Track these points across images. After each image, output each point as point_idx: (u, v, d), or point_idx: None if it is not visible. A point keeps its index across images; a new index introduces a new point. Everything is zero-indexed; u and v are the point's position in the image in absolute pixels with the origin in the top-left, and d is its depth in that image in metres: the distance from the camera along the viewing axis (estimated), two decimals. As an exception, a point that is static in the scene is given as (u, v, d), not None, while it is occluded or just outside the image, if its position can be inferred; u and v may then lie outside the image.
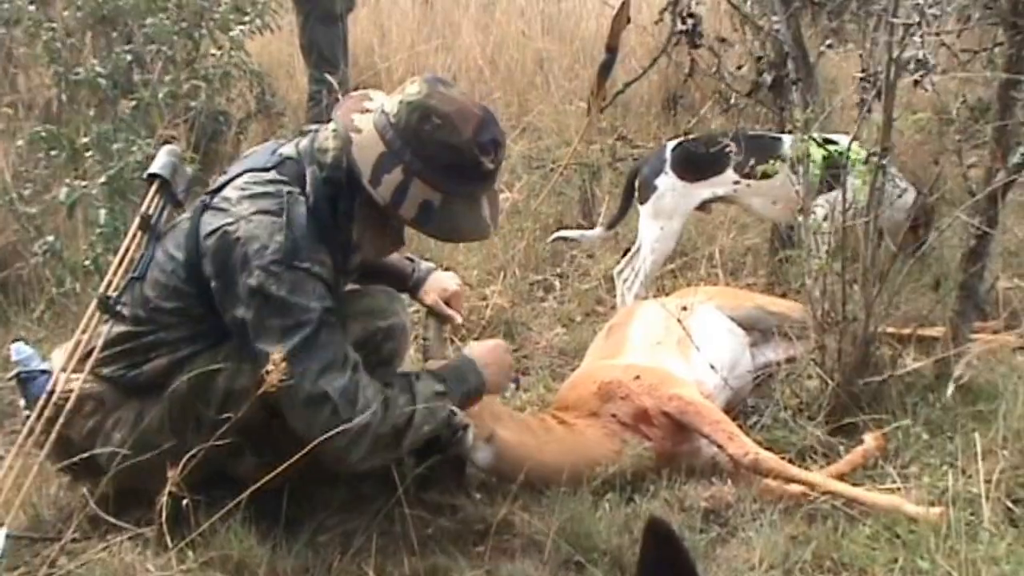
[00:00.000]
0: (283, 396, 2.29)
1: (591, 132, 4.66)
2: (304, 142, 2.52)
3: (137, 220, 2.59)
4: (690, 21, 3.70)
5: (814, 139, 3.08)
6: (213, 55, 4.17)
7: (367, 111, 2.47)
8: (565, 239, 4.11)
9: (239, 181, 2.47)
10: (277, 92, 5.60)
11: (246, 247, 2.34)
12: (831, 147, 3.18)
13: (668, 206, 3.66)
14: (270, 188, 2.42)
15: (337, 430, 2.28)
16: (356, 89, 5.26)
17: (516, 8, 6.50)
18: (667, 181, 3.65)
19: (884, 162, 2.80)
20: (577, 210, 4.43)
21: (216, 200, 2.45)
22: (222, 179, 2.54)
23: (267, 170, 2.47)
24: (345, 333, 2.41)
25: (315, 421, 2.29)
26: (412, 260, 2.85)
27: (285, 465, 2.25)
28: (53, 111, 4.15)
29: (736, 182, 3.60)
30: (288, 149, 2.52)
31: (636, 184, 3.75)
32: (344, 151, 2.43)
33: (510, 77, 5.79)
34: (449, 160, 2.39)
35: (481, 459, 2.65)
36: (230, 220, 2.38)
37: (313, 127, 2.63)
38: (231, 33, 4.25)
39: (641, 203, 3.72)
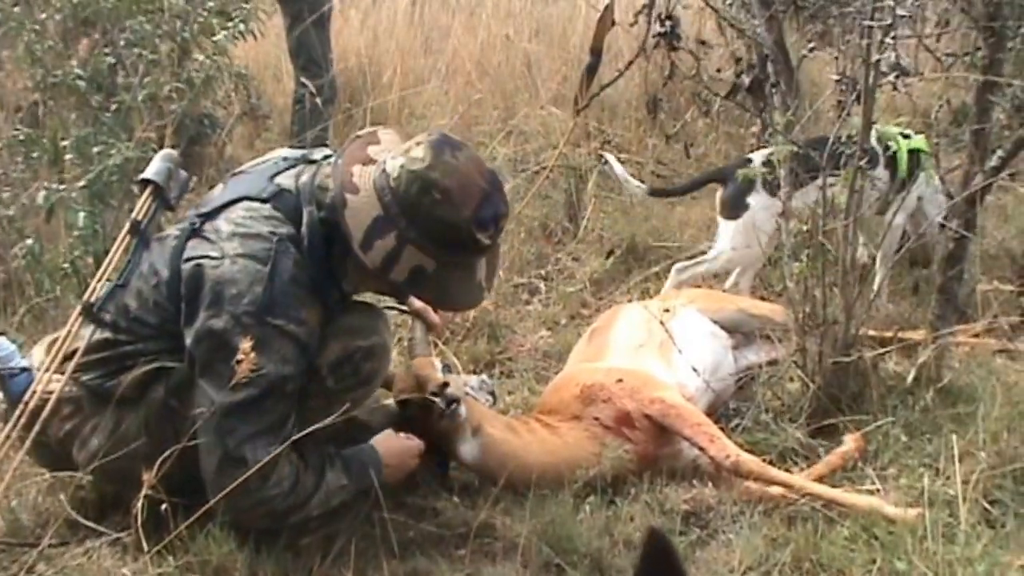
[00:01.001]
0: (204, 439, 2.30)
1: (577, 135, 4.66)
2: (305, 177, 2.48)
3: (127, 225, 2.57)
4: (668, 23, 3.70)
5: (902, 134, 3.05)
6: (196, 59, 4.15)
7: (370, 162, 2.42)
8: (608, 163, 4.08)
9: (233, 213, 2.42)
10: (263, 95, 5.59)
11: (222, 288, 2.31)
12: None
13: (761, 223, 3.53)
14: (263, 228, 2.38)
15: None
16: (344, 92, 5.31)
17: (504, 11, 6.50)
18: (759, 200, 3.54)
19: (863, 164, 2.81)
20: (563, 213, 4.43)
21: (207, 228, 2.42)
22: (216, 200, 2.50)
23: (264, 201, 2.43)
24: (294, 405, 2.36)
25: (221, 479, 2.28)
26: None
27: (211, 502, 2.27)
28: (34, 114, 4.12)
29: None
30: (287, 181, 2.48)
31: (720, 199, 3.68)
32: (337, 210, 2.37)
33: (498, 80, 5.79)
34: (445, 236, 2.35)
35: (467, 452, 2.65)
36: (214, 255, 2.36)
37: (317, 155, 2.57)
38: (215, 38, 4.23)
39: (727, 219, 3.64)
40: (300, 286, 2.36)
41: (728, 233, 3.61)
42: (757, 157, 3.53)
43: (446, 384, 2.58)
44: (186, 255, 2.40)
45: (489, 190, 2.39)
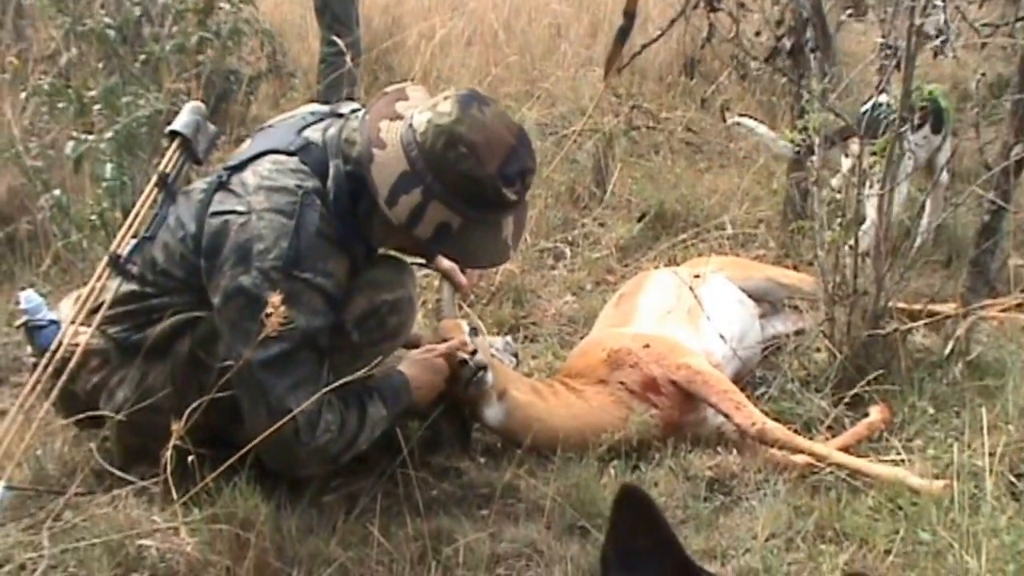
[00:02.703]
0: (246, 398, 2.30)
1: (606, 100, 4.62)
2: (332, 130, 2.46)
3: (155, 178, 2.57)
4: (710, -17, 3.65)
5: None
6: (223, 8, 4.11)
7: (398, 117, 2.41)
8: (741, 125, 4.03)
9: (260, 166, 2.41)
10: (288, 53, 5.55)
11: (250, 244, 2.31)
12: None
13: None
14: (289, 181, 2.37)
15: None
16: (369, 53, 5.27)
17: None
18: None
19: (903, 132, 2.77)
20: (590, 178, 4.39)
21: (233, 181, 2.41)
22: (243, 154, 2.49)
23: (291, 154, 2.42)
24: (325, 356, 2.36)
25: (273, 434, 2.27)
26: None
27: (237, 455, 2.25)
28: (61, 64, 4.11)
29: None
30: (314, 134, 2.47)
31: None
32: (363, 164, 2.37)
33: (526, 43, 5.73)
34: (471, 191, 2.35)
35: (492, 416, 2.64)
36: (241, 209, 2.35)
37: (345, 108, 2.56)
38: (240, -12, 4.20)
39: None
40: (326, 239, 2.36)
41: None
42: (883, 99, 3.44)
43: (474, 351, 2.56)
44: (212, 209, 2.39)
45: (516, 145, 2.38)
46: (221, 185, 2.43)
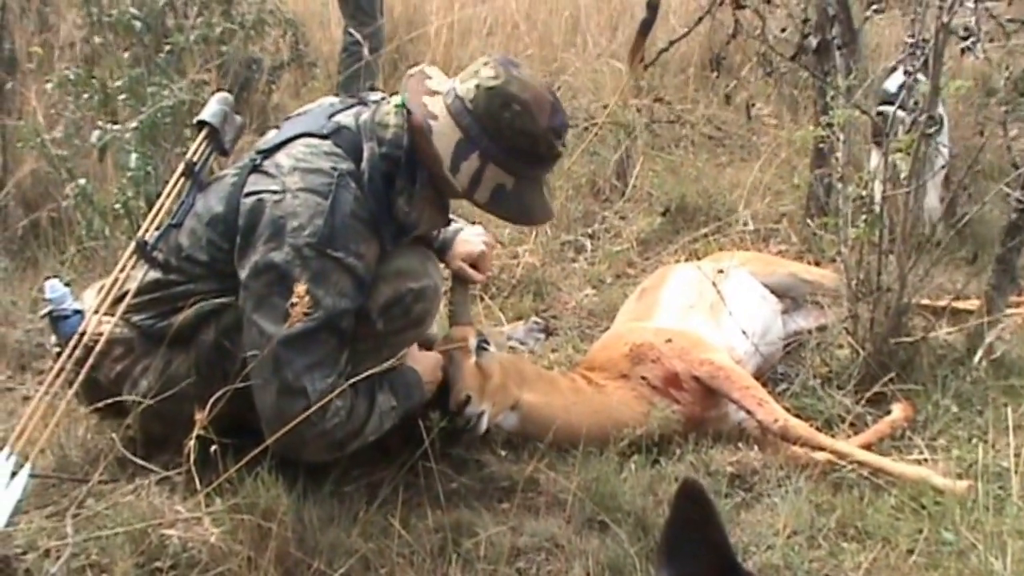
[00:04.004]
0: (259, 373, 2.30)
1: (628, 92, 4.60)
2: (365, 115, 2.50)
3: (181, 166, 2.58)
4: (737, -20, 3.63)
5: None
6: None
7: (434, 93, 2.47)
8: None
9: (294, 148, 2.44)
10: (310, 42, 5.55)
11: (284, 222, 2.33)
12: None
13: None
14: (324, 164, 2.40)
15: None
16: (390, 42, 5.27)
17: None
18: None
19: (931, 131, 2.75)
20: (611, 171, 4.38)
21: (267, 164, 2.43)
22: (275, 139, 2.51)
23: (324, 138, 2.45)
24: (348, 340, 2.37)
25: (282, 412, 2.29)
26: None
27: (261, 447, 2.27)
28: (86, 53, 4.12)
29: None
30: (347, 119, 2.50)
31: None
32: (410, 132, 2.45)
33: (546, 33, 5.72)
34: (526, 146, 2.44)
35: (508, 424, 2.65)
36: (275, 188, 2.37)
37: (373, 97, 2.59)
38: (263, -23, 4.20)
39: None
40: (359, 220, 2.38)
41: None
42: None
43: (468, 399, 2.52)
44: (246, 190, 2.41)
45: (555, 102, 2.51)
46: (255, 168, 2.45)
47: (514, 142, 2.42)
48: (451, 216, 2.86)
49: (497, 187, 2.44)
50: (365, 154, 2.43)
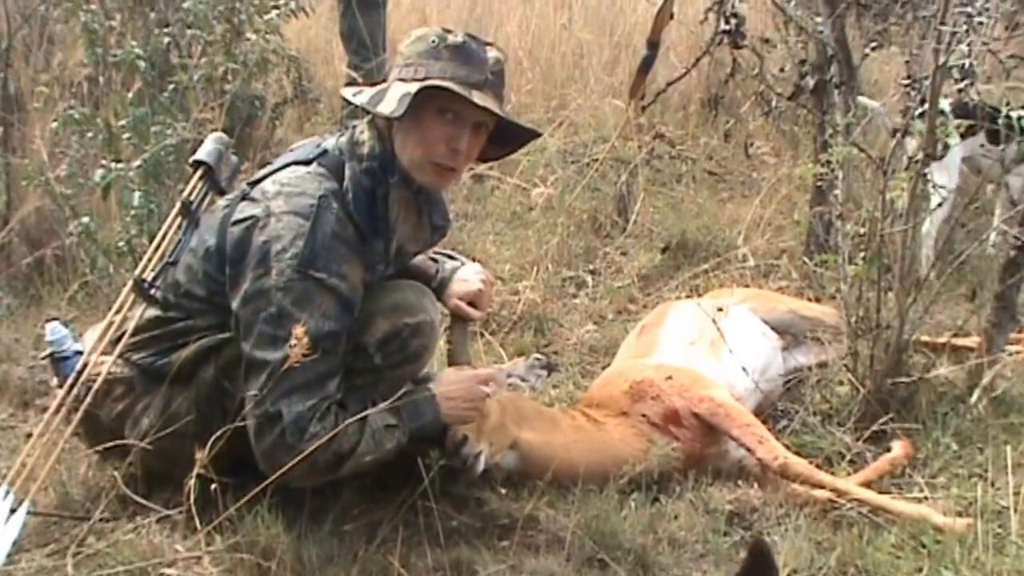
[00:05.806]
0: (247, 403, 2.32)
1: (629, 128, 4.64)
2: (343, 138, 2.54)
3: (178, 205, 2.60)
4: (733, 21, 3.67)
5: None
6: (249, 39, 4.15)
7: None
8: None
9: (281, 175, 2.47)
10: (314, 78, 5.60)
11: (269, 246, 2.35)
12: None
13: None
14: (308, 185, 2.42)
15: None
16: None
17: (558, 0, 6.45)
18: None
19: (927, 170, 2.77)
20: (612, 207, 4.40)
21: (254, 191, 2.47)
22: (264, 171, 2.55)
23: (309, 163, 2.48)
24: (337, 365, 2.37)
25: (261, 439, 2.30)
26: (436, 260, 2.81)
27: (261, 486, 2.28)
28: (87, 92, 4.15)
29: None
30: (329, 143, 2.54)
31: None
32: (378, 134, 2.48)
33: (548, 69, 5.77)
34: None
35: (506, 464, 2.64)
36: (259, 213, 2.39)
37: (354, 123, 2.62)
38: (266, 16, 4.23)
39: None
40: (342, 241, 2.39)
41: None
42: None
43: (465, 439, 2.51)
44: (234, 218, 2.44)
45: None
46: (243, 197, 2.48)
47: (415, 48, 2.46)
48: (451, 252, 2.88)
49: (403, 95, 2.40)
50: (347, 173, 2.46)
